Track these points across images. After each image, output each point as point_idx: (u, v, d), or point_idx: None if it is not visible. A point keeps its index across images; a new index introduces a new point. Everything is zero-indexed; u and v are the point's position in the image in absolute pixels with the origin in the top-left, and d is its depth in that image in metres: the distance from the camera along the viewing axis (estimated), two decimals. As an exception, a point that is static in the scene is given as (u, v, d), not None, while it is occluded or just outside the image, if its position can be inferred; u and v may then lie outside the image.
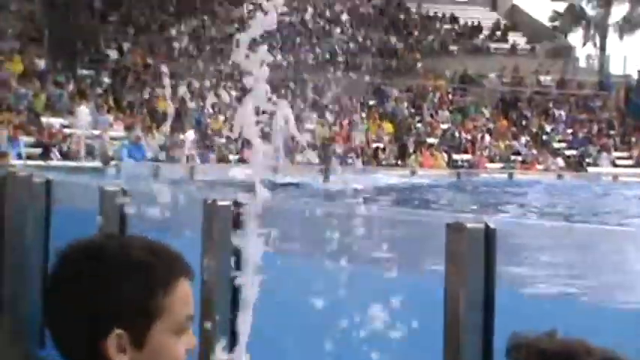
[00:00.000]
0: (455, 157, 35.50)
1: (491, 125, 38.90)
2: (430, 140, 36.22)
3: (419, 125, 37.48)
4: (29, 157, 26.02)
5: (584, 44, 54.98)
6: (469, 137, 37.26)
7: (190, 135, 30.16)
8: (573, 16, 54.97)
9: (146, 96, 33.77)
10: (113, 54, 36.58)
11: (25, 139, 27.98)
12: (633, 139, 40.12)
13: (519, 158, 36.69)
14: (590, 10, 55.31)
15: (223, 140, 31.98)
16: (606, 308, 3.48)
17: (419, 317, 3.10)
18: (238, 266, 3.37)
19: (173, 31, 39.40)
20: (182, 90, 33.19)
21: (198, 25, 40.80)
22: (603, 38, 54.92)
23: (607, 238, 3.93)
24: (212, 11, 42.37)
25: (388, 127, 36.46)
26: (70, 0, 39.06)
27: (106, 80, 34.52)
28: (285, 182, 19.51)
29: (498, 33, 47.65)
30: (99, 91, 33.11)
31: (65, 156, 27.30)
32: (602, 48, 54.48)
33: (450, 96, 41.06)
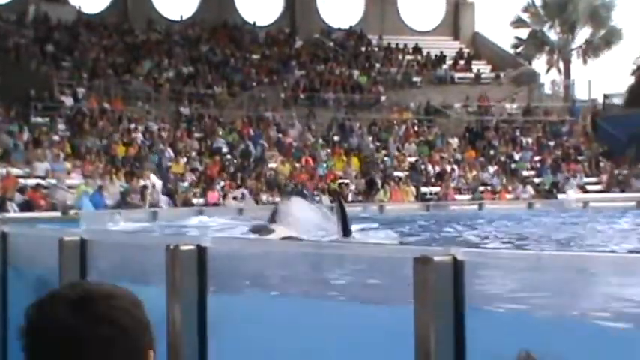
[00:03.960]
0: (423, 190, 35.67)
1: (458, 156, 39.21)
2: (397, 174, 36.41)
3: (385, 159, 37.68)
4: (-16, 211, 25.72)
5: (548, 70, 55.91)
6: (437, 169, 37.50)
7: (152, 180, 30.05)
8: (536, 42, 55.87)
9: (104, 142, 33.67)
10: (68, 100, 36.46)
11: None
12: (602, 164, 40.60)
13: (488, 188, 36.94)
14: (552, 36, 56.28)
15: (186, 184, 31.90)
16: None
17: (388, 350, 3.13)
18: (203, 311, 3.40)
19: (127, 75, 39.43)
20: (140, 134, 32.90)
21: (153, 66, 40.87)
22: (567, 63, 55.85)
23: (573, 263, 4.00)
24: (169, 52, 42.49)
25: (354, 162, 36.61)
26: (21, 46, 38.99)
27: (62, 127, 34.37)
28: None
29: (462, 62, 48.21)
30: (55, 138, 32.93)
31: (23, 208, 27.05)
32: (567, 73, 55.37)
33: (416, 128, 41.35)
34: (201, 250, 3.79)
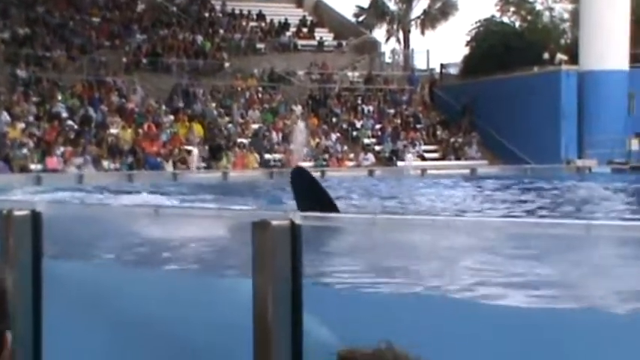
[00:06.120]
0: (267, 156, 35.81)
1: (302, 123, 39.48)
2: (241, 141, 36.37)
3: (229, 126, 37.56)
4: None
5: (388, 39, 57.05)
6: (280, 136, 37.70)
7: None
8: (377, 12, 56.85)
9: None
10: None
11: None
12: (439, 132, 41.85)
13: (331, 155, 37.46)
14: (392, 6, 57.39)
15: (25, 151, 30.85)
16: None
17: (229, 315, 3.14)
18: (38, 278, 3.30)
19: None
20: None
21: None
22: (406, 33, 57.13)
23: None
24: (4, 12, 40.74)
25: (198, 128, 36.31)
26: None
27: None
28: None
29: (305, 30, 48.46)
30: None
31: None
32: (406, 43, 56.65)
33: (260, 95, 41.35)
34: (35, 216, 3.66)
